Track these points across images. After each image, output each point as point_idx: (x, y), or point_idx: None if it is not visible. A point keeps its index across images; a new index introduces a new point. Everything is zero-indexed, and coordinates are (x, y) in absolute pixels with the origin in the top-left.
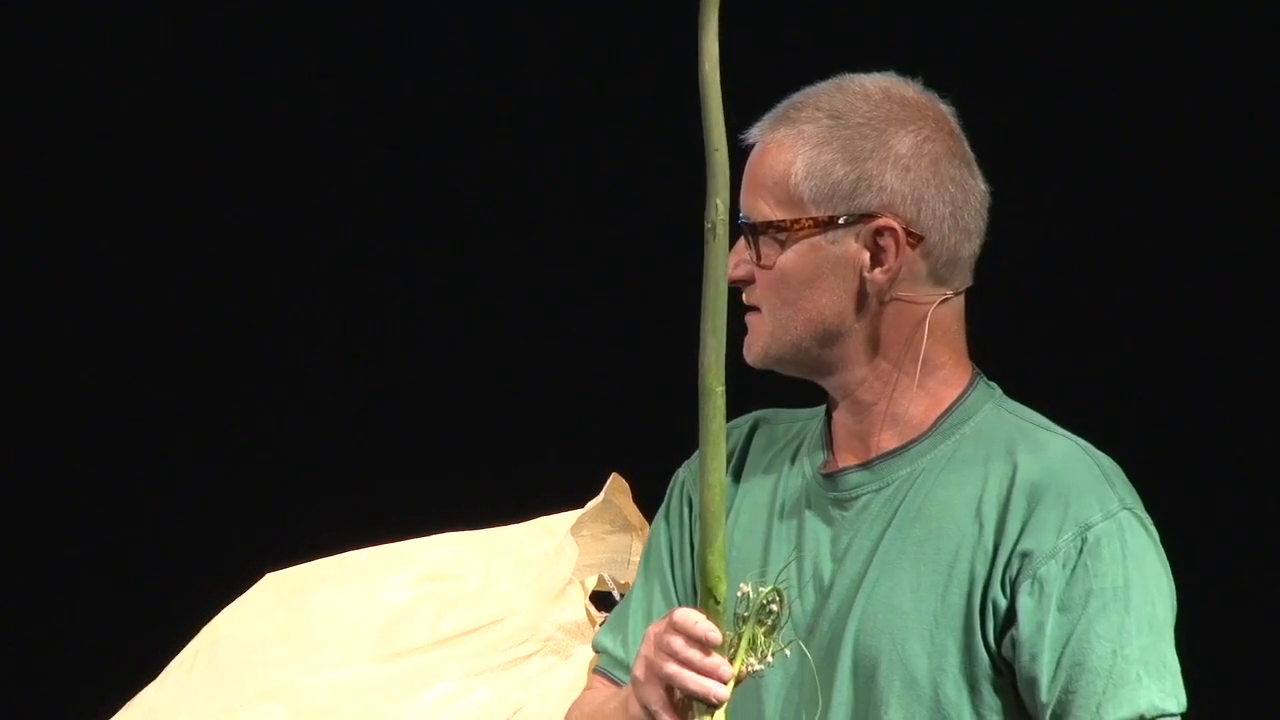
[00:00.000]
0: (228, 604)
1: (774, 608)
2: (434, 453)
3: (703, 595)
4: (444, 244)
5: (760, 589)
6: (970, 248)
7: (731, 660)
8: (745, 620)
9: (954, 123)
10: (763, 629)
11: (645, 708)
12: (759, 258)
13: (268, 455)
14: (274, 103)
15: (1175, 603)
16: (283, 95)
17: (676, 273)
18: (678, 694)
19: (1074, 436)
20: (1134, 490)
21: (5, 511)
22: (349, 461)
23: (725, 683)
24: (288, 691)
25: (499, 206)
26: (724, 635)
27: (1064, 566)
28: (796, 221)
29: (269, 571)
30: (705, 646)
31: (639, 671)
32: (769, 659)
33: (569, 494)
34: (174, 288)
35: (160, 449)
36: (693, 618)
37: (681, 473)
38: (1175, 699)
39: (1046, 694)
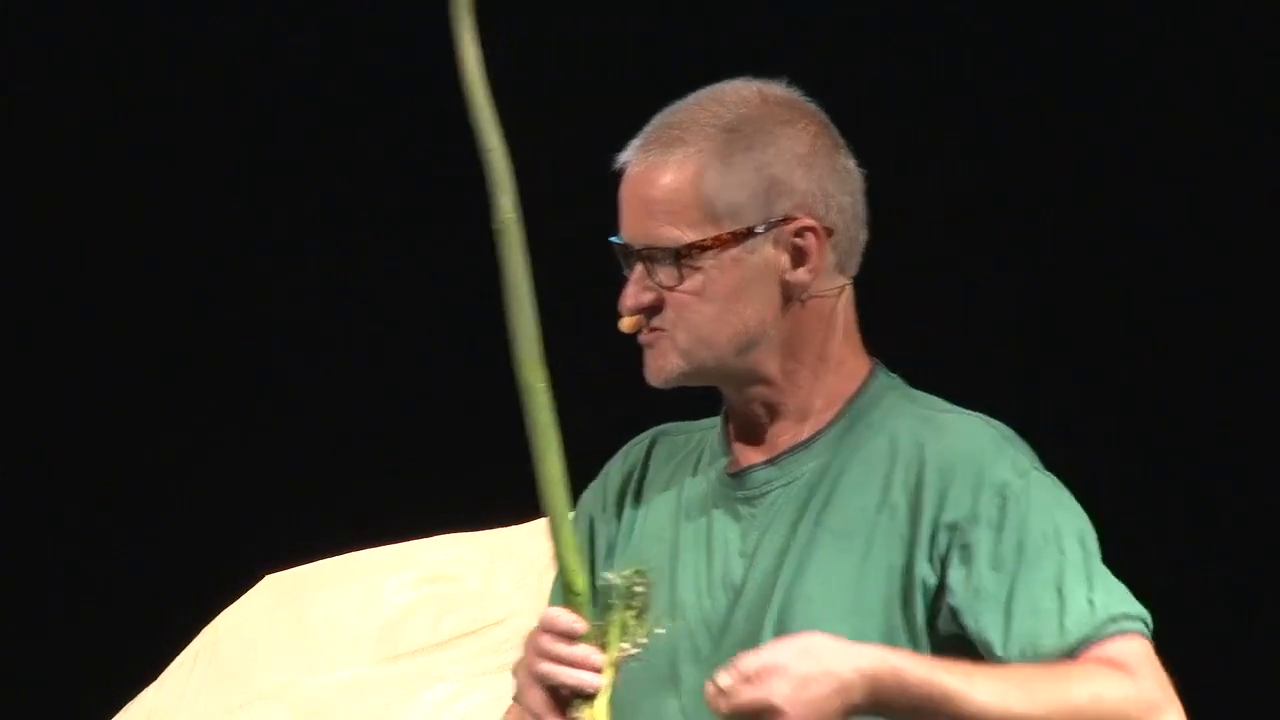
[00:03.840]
0: (228, 605)
1: (639, 590)
2: (435, 454)
3: (564, 590)
4: (441, 243)
5: (622, 574)
6: (864, 234)
7: (604, 648)
8: (614, 607)
9: (824, 115)
10: (632, 613)
11: (531, 714)
12: (674, 281)
13: (268, 456)
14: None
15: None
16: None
17: None
18: (562, 693)
19: (977, 414)
20: (1035, 456)
21: (5, 513)
22: (350, 463)
23: (598, 671)
24: (289, 692)
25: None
26: (594, 626)
27: (989, 527)
28: (717, 238)
29: (269, 573)
30: (572, 639)
31: (520, 679)
32: (641, 641)
33: (570, 494)
34: (175, 288)
35: (160, 450)
36: (556, 613)
37: (586, 495)
38: (1136, 607)
39: (1004, 649)
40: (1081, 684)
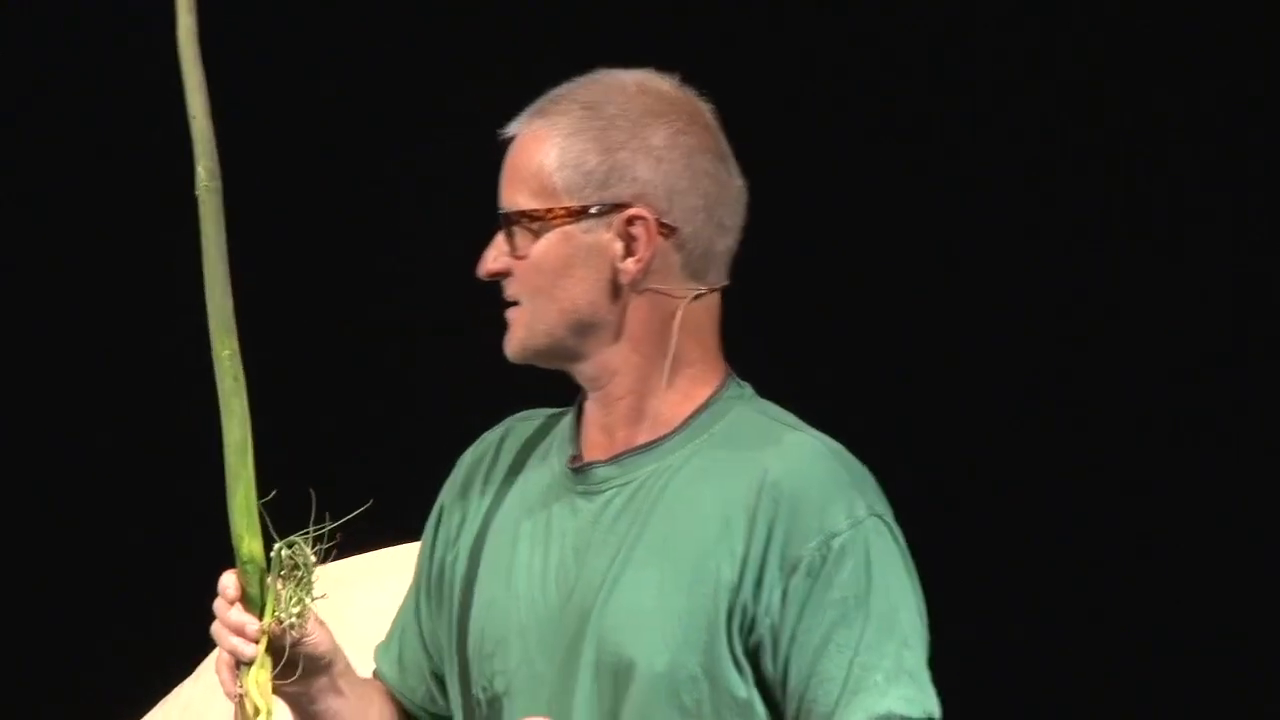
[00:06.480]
0: None
1: (295, 561)
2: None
3: (235, 556)
4: (448, 243)
5: (282, 545)
6: (725, 243)
7: (261, 616)
8: (281, 579)
9: (710, 118)
10: (292, 584)
11: (217, 673)
12: (514, 249)
13: (302, 450)
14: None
15: (924, 613)
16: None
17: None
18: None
19: (824, 438)
20: (882, 496)
21: (40, 511)
22: (383, 459)
23: (253, 640)
24: None
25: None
26: (263, 593)
27: (808, 575)
28: (550, 211)
29: None
30: (230, 604)
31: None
32: (294, 612)
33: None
34: (189, 286)
35: (194, 444)
36: (224, 577)
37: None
38: (920, 706)
39: (790, 703)
40: None
